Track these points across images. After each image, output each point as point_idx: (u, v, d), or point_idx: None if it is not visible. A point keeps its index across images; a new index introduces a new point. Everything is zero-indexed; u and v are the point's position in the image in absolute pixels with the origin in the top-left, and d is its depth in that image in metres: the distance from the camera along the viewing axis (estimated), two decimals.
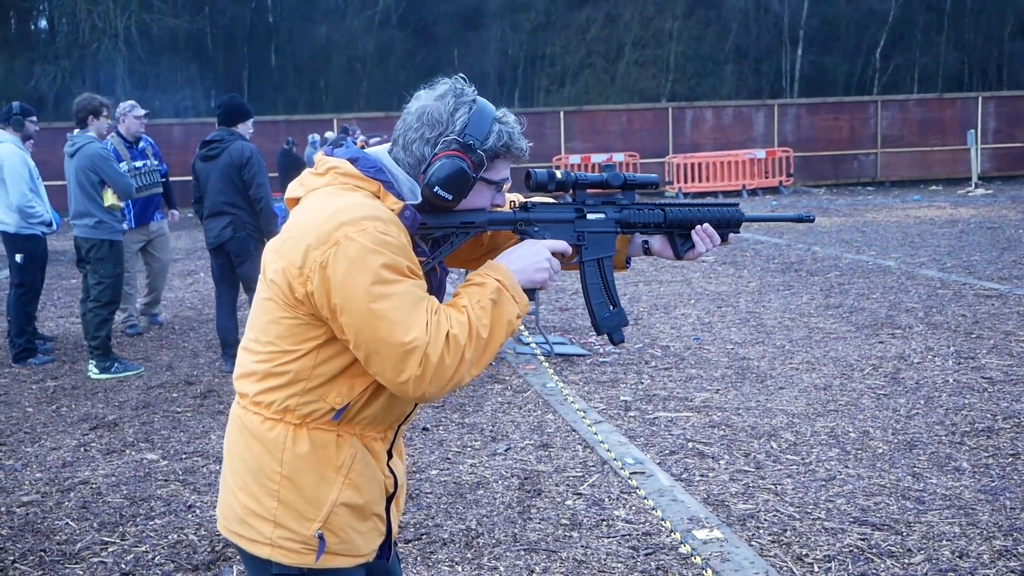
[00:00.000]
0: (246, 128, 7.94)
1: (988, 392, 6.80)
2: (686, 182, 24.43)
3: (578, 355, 8.29)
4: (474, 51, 37.27)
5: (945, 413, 6.37)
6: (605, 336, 2.42)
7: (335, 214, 2.06)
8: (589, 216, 2.37)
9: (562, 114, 25.89)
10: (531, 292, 2.24)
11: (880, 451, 5.72)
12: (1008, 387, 6.90)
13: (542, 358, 6.36)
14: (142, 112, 9.20)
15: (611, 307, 2.41)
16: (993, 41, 40.23)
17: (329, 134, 23.20)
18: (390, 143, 2.27)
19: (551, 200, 2.44)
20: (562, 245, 2.30)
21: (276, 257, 2.14)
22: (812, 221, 2.64)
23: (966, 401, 6.60)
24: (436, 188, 2.14)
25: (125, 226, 8.08)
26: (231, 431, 2.29)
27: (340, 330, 2.07)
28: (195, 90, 36.58)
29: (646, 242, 2.50)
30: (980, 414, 6.31)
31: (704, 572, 4.19)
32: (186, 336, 9.68)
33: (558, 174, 2.34)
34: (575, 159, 24.69)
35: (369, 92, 37.54)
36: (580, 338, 8.94)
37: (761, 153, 25.15)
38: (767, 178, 25.07)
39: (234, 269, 7.88)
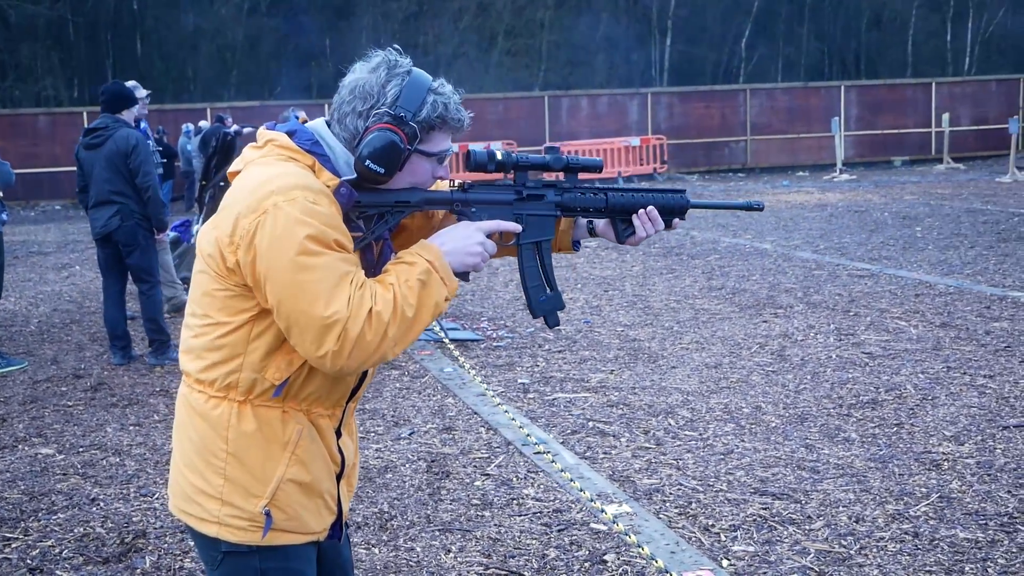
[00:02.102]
0: (131, 115, 7.75)
1: (869, 366, 7.10)
2: None
3: (472, 340, 8.35)
4: (346, 40, 36.89)
5: (831, 387, 6.63)
6: (541, 319, 2.41)
7: (265, 182, 2.06)
8: (528, 198, 2.34)
9: None
10: (464, 274, 2.23)
11: (773, 425, 5.93)
12: (887, 361, 7.22)
13: (447, 341, 6.39)
14: (144, 93, 8.65)
15: (547, 290, 2.39)
16: (851, 32, 41.68)
17: (203, 123, 22.73)
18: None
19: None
20: (497, 224, 2.28)
21: (211, 227, 2.14)
22: (761, 209, 2.64)
23: (850, 375, 6.89)
24: (367, 162, 2.12)
25: (5, 216, 7.80)
26: (178, 410, 2.28)
27: (265, 299, 2.07)
28: (57, 79, 35.36)
29: (591, 223, 2.49)
30: (864, 387, 6.60)
31: (625, 539, 4.31)
32: (68, 329, 9.39)
33: (499, 154, 2.31)
34: (452, 147, 24.71)
35: (239, 81, 36.83)
36: (473, 324, 9.00)
37: (636, 141, 25.59)
38: (642, 165, 25.53)
39: (121, 259, 7.70)
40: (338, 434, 2.32)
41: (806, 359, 7.36)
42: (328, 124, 2.24)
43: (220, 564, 2.22)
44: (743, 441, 5.67)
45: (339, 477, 2.33)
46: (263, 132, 2.23)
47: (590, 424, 6.07)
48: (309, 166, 2.13)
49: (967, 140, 28.03)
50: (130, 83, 8.55)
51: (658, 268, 11.76)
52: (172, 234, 10.21)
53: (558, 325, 2.43)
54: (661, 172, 25.62)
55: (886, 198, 19.14)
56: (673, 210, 2.44)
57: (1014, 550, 4.16)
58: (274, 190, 2.03)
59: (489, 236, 2.28)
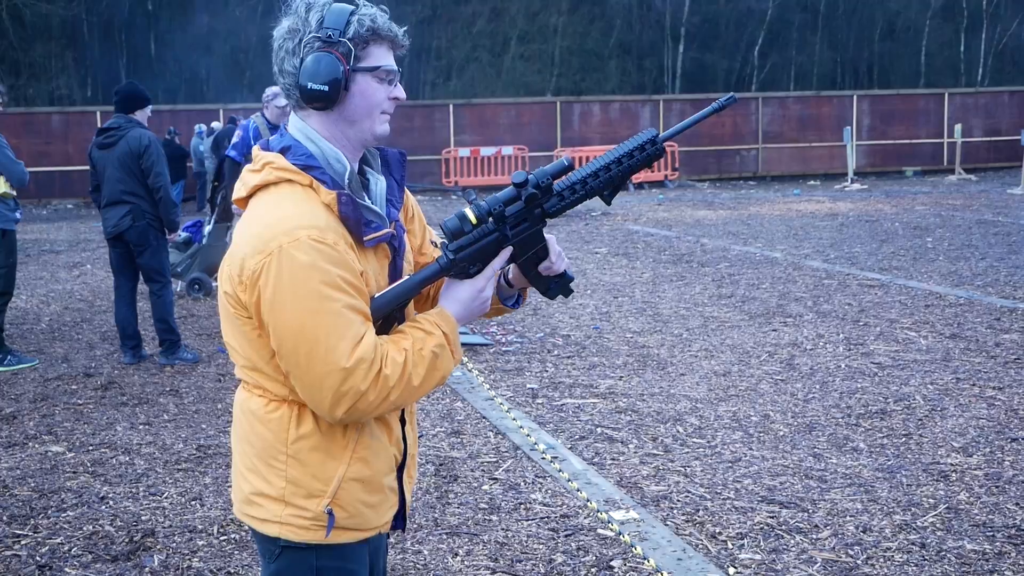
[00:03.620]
0: (144, 115, 7.79)
1: (878, 376, 7.09)
2: None
3: (481, 344, 8.36)
4: None
5: (840, 397, 6.63)
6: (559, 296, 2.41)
7: (272, 224, 2.06)
8: (512, 229, 2.28)
9: (452, 107, 25.92)
10: None
11: (781, 433, 5.93)
12: (896, 371, 7.21)
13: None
14: (283, 102, 8.79)
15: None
16: (864, 42, 41.64)
17: (216, 124, 22.80)
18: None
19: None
20: (492, 269, 2.26)
21: (225, 264, 2.16)
22: (735, 101, 2.53)
23: (858, 385, 6.88)
24: (308, 84, 2.09)
25: (18, 215, 7.84)
26: (236, 414, 2.29)
27: (270, 339, 2.08)
28: (71, 79, 35.51)
29: (506, 277, 2.43)
30: (872, 397, 6.59)
31: (632, 549, 4.31)
32: (80, 328, 9.43)
33: (470, 214, 2.24)
34: (464, 152, 24.79)
35: (252, 82, 36.94)
36: (482, 328, 9.02)
37: None
38: (653, 172, 25.53)
39: (133, 259, 7.73)
40: (402, 422, 2.32)
41: (815, 368, 7.36)
42: (292, 109, 2.22)
43: (278, 558, 2.22)
44: (751, 449, 5.67)
45: (401, 467, 2.33)
46: (257, 153, 2.22)
47: (598, 430, 6.08)
48: (307, 185, 2.12)
49: (979, 151, 27.96)
50: (272, 89, 8.76)
51: (668, 275, 11.76)
52: (184, 234, 10.25)
53: (573, 292, 2.43)
54: (673, 179, 25.62)
55: (897, 208, 19.11)
56: (643, 146, 2.32)
57: (1021, 562, 4.16)
58: (279, 232, 2.03)
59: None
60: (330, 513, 2.17)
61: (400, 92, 2.22)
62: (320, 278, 2.01)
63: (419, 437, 5.94)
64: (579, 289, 10.91)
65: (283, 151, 2.16)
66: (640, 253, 13.74)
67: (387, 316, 2.19)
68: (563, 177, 2.29)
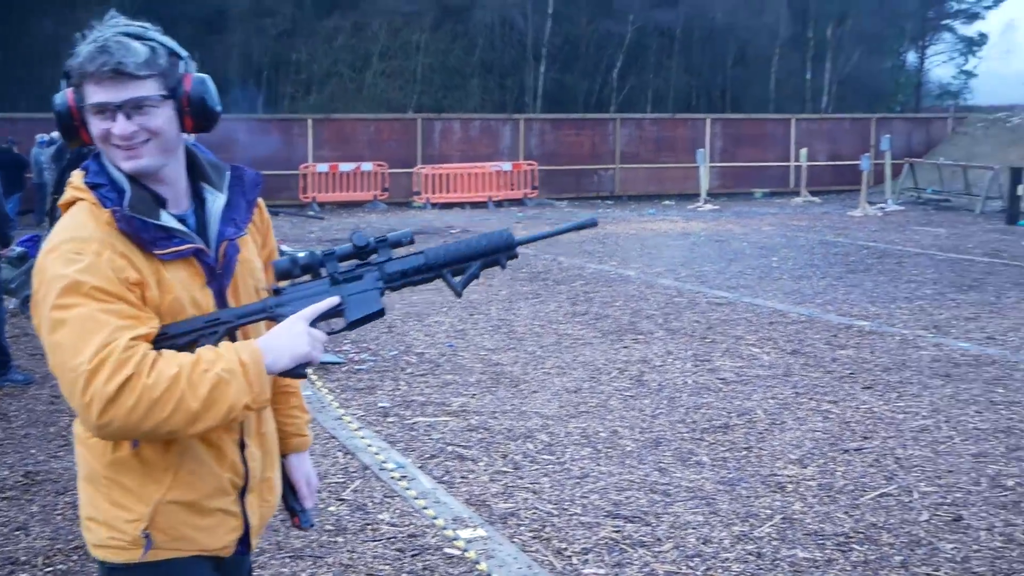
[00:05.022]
0: None
1: (723, 391, 7.30)
2: (434, 193, 24.76)
3: (333, 363, 8.28)
4: (216, 55, 36.28)
5: (686, 412, 6.80)
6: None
7: (47, 244, 2.07)
8: (345, 282, 2.23)
9: (310, 122, 25.65)
10: (302, 367, 2.13)
11: (629, 449, 6.05)
12: (740, 387, 7.43)
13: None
14: None
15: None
16: (718, 67, 42.84)
17: (55, 134, 22.02)
18: None
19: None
20: (315, 309, 2.17)
21: None
22: (595, 225, 2.59)
23: (704, 400, 7.07)
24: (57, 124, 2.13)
25: None
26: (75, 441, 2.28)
27: None
28: None
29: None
30: (717, 412, 6.78)
31: (477, 567, 4.33)
32: None
33: (301, 256, 2.21)
34: (323, 167, 24.53)
35: None
36: (335, 346, 8.93)
37: (507, 166, 25.81)
38: (513, 190, 25.75)
39: None
40: (243, 445, 2.26)
41: (663, 384, 7.53)
42: None
43: None
44: (599, 465, 5.76)
45: (245, 490, 2.27)
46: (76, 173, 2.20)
47: (449, 448, 6.09)
48: (93, 203, 2.09)
49: (823, 174, 29.06)
50: None
51: (524, 293, 11.87)
52: (18, 249, 9.87)
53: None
54: (532, 197, 25.89)
55: (746, 228, 19.71)
56: (501, 250, 2.35)
57: (848, 568, 4.33)
58: (47, 248, 2.05)
59: (315, 324, 2.17)
60: (147, 536, 2.14)
61: (115, 127, 2.06)
62: (68, 286, 1.97)
63: None
64: (435, 307, 10.92)
65: (84, 170, 2.16)
66: (497, 270, 13.77)
67: (195, 341, 2.11)
68: (412, 256, 2.27)
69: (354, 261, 2.25)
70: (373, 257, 2.27)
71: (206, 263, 2.19)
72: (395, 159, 25.48)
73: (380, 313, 2.25)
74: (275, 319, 2.18)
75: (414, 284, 2.30)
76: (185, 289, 2.14)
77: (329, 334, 2.21)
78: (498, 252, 2.34)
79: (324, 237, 18.12)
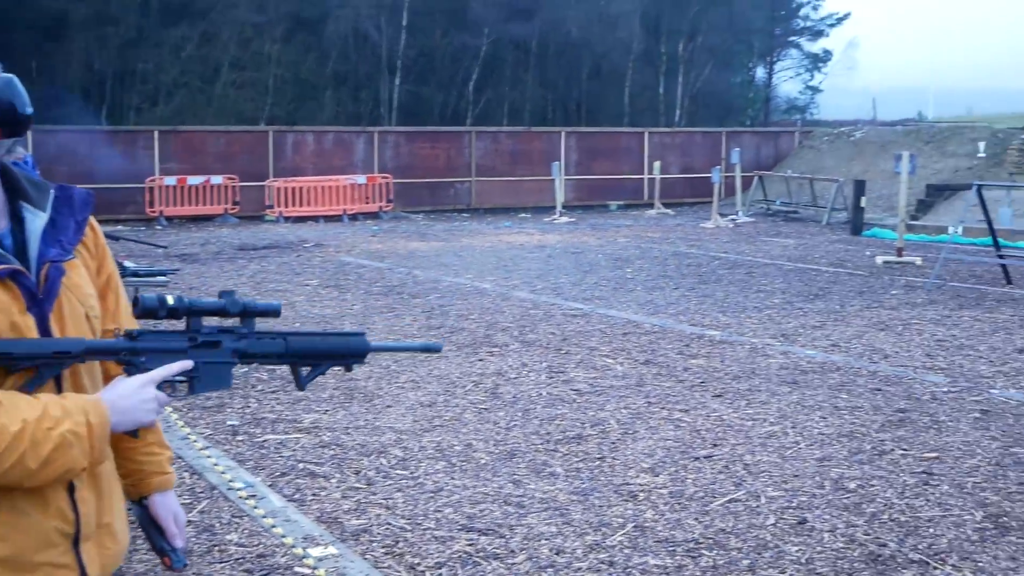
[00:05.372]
0: None
1: (577, 403, 7.35)
2: (287, 206, 24.37)
3: (180, 381, 8.01)
4: (56, 64, 35.02)
5: (540, 423, 6.81)
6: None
7: None
8: (203, 345, 2.17)
9: (156, 134, 24.94)
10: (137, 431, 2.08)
11: (483, 462, 6.02)
12: (594, 397, 7.49)
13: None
14: None
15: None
16: (573, 81, 43.47)
17: None
18: None
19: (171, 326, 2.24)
20: (166, 371, 2.08)
21: None
22: (438, 351, 2.61)
23: (558, 412, 7.10)
24: None
25: None
26: None
27: None
28: None
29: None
30: (571, 423, 6.81)
31: None
32: None
33: (170, 299, 2.12)
34: (170, 181, 23.88)
35: None
36: None
37: (362, 179, 25.58)
38: (368, 203, 25.53)
39: None
40: (72, 489, 2.07)
41: (518, 396, 7.53)
42: None
43: None
44: (453, 479, 5.72)
45: (78, 538, 2.09)
46: None
47: (300, 466, 5.96)
48: None
49: (676, 187, 29.71)
50: None
51: (379, 307, 11.75)
52: None
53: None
54: (387, 211, 25.72)
55: (601, 240, 19.99)
56: (353, 354, 2.33)
57: (698, 574, 4.39)
58: None
59: (161, 387, 2.09)
60: None
61: None
62: None
63: None
64: (287, 322, 10.70)
65: None
66: (352, 285, 13.67)
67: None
68: (273, 340, 2.22)
69: (216, 321, 2.18)
70: (236, 322, 2.22)
71: (25, 286, 2.04)
72: (246, 172, 24.97)
73: (227, 387, 2.23)
74: (125, 366, 2.09)
75: (267, 365, 2.26)
76: (3, 313, 1.98)
77: (170, 396, 2.13)
78: (353, 357, 2.33)
79: (172, 252, 17.62)
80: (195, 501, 5.37)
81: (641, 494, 5.42)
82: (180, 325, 2.18)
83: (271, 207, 24.51)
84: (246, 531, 4.96)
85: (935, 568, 4.48)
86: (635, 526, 4.96)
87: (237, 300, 2.20)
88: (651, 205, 27.73)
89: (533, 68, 42.38)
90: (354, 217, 24.96)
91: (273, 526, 4.88)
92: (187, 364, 2.12)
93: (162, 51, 36.57)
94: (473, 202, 28.04)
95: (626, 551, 4.66)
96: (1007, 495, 5.42)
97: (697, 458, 6.04)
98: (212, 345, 2.17)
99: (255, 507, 5.15)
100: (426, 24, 38.69)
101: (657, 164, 27.48)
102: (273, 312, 2.25)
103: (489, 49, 39.59)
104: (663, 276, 14.42)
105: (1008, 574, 4.42)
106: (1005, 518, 5.08)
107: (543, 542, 4.78)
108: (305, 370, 2.30)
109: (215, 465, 5.68)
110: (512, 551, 4.68)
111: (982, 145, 25.75)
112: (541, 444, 6.35)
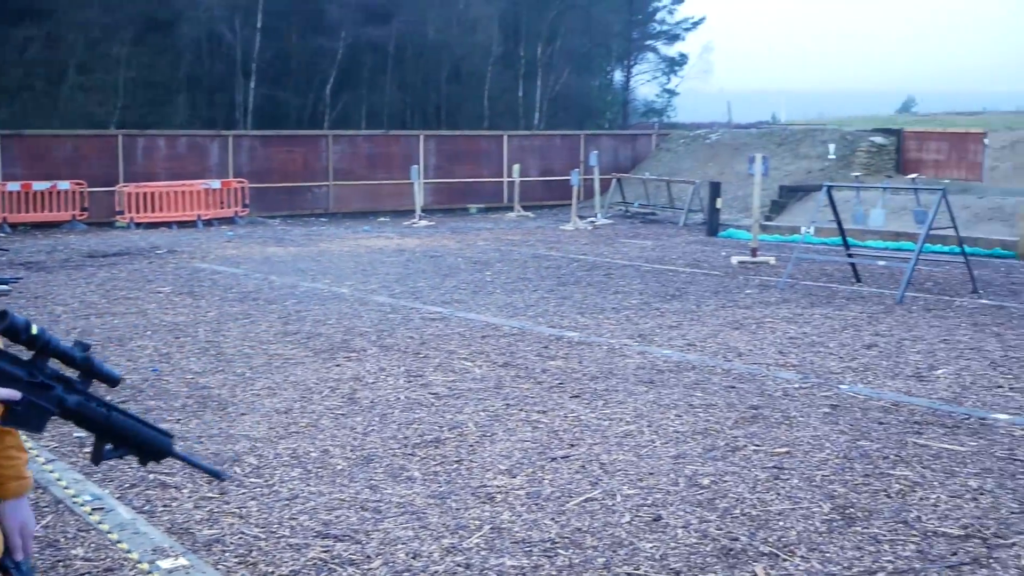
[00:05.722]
0: None
1: (435, 406, 7.33)
2: (139, 212, 23.68)
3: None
4: None
5: (398, 428, 6.78)
6: None
7: None
8: (37, 385, 2.15)
9: None
10: None
11: (340, 468, 5.95)
12: (452, 400, 7.49)
13: None
14: None
15: None
16: (432, 84, 43.42)
17: None
18: None
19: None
20: (5, 393, 2.08)
21: None
22: (224, 480, 2.61)
23: (416, 416, 7.07)
24: None
25: None
26: None
27: None
28: None
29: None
30: (429, 426, 6.80)
31: None
32: None
33: (34, 329, 2.12)
34: (15, 187, 22.93)
35: None
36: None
37: (216, 183, 25.03)
38: (223, 208, 24.99)
39: None
40: None
41: (376, 401, 7.48)
42: None
43: None
44: (309, 485, 5.64)
45: None
46: None
47: (151, 477, 5.79)
48: None
49: (535, 190, 29.97)
50: None
51: (234, 313, 11.52)
52: None
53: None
54: (243, 215, 25.24)
55: (461, 244, 20.01)
56: (154, 451, 2.34)
57: (554, 573, 4.43)
58: None
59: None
60: None
61: None
62: None
63: None
64: (138, 330, 10.40)
65: None
66: (206, 291, 13.36)
67: None
68: (99, 408, 2.22)
69: (57, 365, 2.17)
70: (74, 374, 2.21)
71: None
72: (95, 177, 24.17)
73: (37, 433, 2.23)
74: None
75: (82, 428, 2.26)
76: None
77: None
78: (155, 453, 2.35)
79: (16, 260, 16.94)
80: (39, 516, 5.16)
81: (498, 496, 5.44)
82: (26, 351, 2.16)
83: (121, 213, 23.78)
84: (93, 545, 4.79)
85: (784, 560, 4.62)
86: (492, 528, 4.98)
87: (88, 356, 2.20)
88: (511, 208, 27.90)
89: (391, 71, 42.18)
90: (209, 222, 24.41)
91: (118, 541, 4.73)
92: (15, 395, 2.10)
93: (4, 52, 35.12)
94: (331, 206, 27.75)
95: (483, 553, 4.67)
96: (853, 487, 5.63)
97: (554, 459, 6.10)
98: (44, 388, 2.16)
99: (99, 521, 4.98)
100: (282, 26, 38.12)
101: (516, 167, 27.67)
102: (113, 380, 2.25)
103: (346, 52, 39.23)
104: (522, 279, 14.52)
105: (854, 563, 4.59)
106: (851, 509, 5.28)
107: (400, 546, 4.75)
108: (109, 446, 2.29)
109: (58, 480, 5.48)
110: (368, 556, 4.64)
111: (832, 147, 26.73)
112: (399, 448, 6.32)
